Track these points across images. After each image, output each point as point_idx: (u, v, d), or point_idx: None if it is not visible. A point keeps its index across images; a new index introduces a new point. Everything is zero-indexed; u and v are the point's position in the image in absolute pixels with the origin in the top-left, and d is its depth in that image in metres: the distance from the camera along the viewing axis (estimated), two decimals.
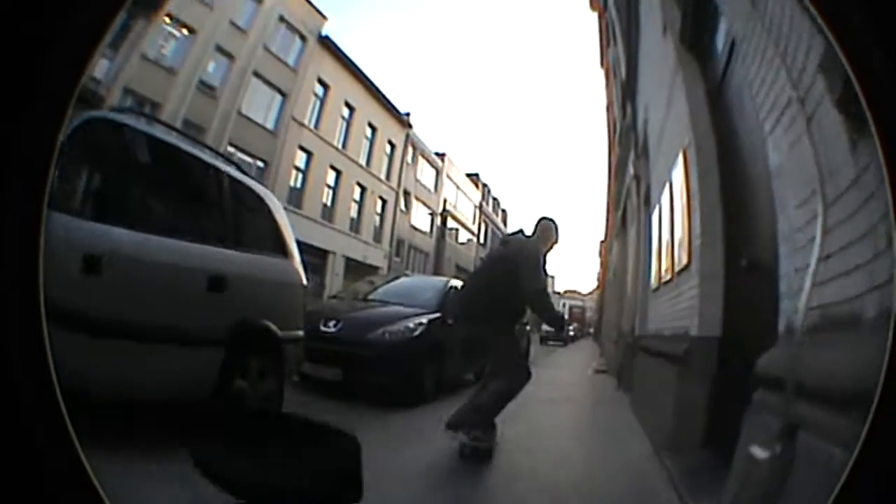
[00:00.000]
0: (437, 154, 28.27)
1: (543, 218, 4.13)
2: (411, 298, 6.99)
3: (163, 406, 2.95)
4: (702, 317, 3.68)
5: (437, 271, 26.27)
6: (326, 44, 17.72)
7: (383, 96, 21.67)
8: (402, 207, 23.71)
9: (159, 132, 3.41)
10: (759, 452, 1.75)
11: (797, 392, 1.85)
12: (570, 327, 31.08)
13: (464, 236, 32.39)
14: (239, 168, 4.05)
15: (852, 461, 0.72)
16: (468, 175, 34.92)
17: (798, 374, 1.87)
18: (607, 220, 30.34)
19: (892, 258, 1.48)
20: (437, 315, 6.63)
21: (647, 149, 7.35)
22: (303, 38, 16.55)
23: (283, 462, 1.26)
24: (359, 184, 18.83)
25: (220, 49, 12.73)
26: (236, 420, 1.70)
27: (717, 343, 3.55)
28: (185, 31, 11.72)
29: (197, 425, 1.51)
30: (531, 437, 4.39)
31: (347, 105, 19.10)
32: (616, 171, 14.29)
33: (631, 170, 8.86)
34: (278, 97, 14.94)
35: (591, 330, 30.87)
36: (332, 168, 16.62)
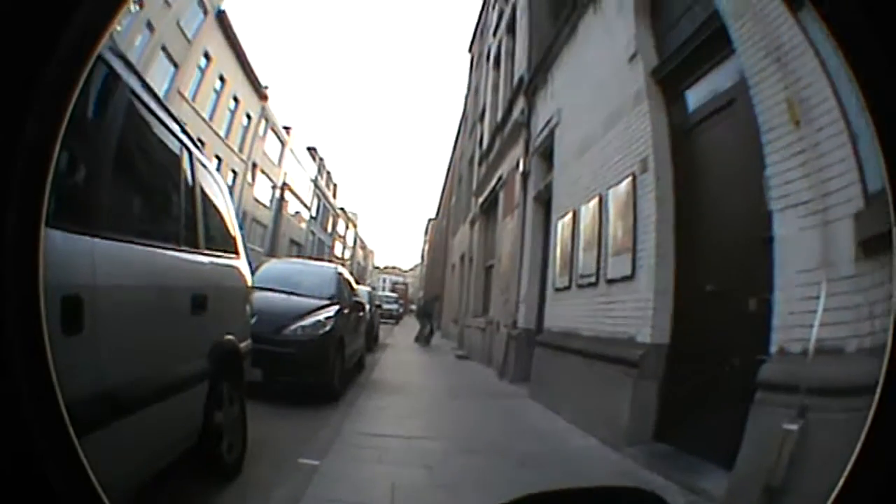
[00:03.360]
0: (284, 127, 29.02)
1: None
2: (304, 287, 7.37)
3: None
4: (654, 326, 4.86)
5: (273, 245, 27.08)
6: (221, 17, 19.95)
7: (251, 68, 23.58)
8: (249, 180, 24.79)
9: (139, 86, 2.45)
10: (791, 427, 2.80)
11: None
12: (397, 305, 32.95)
13: (295, 209, 32.80)
14: (196, 144, 3.47)
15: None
16: (308, 149, 35.22)
17: (796, 380, 2.98)
18: (441, 201, 32.43)
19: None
20: (339, 306, 7.24)
21: (550, 153, 8.54)
22: (205, 11, 18.76)
23: None
24: (217, 156, 19.87)
25: (149, 24, 14.07)
26: None
27: (665, 349, 4.77)
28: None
29: None
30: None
31: (221, 78, 21.00)
32: (480, 160, 15.61)
33: (520, 166, 10.03)
34: (172, 69, 16.54)
35: (413, 307, 32.82)
36: (199, 140, 17.98)
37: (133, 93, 2.33)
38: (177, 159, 3.00)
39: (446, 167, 30.26)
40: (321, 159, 38.77)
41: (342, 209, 50.48)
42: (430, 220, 43.37)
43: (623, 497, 1.81)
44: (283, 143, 29.39)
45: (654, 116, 5.17)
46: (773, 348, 3.37)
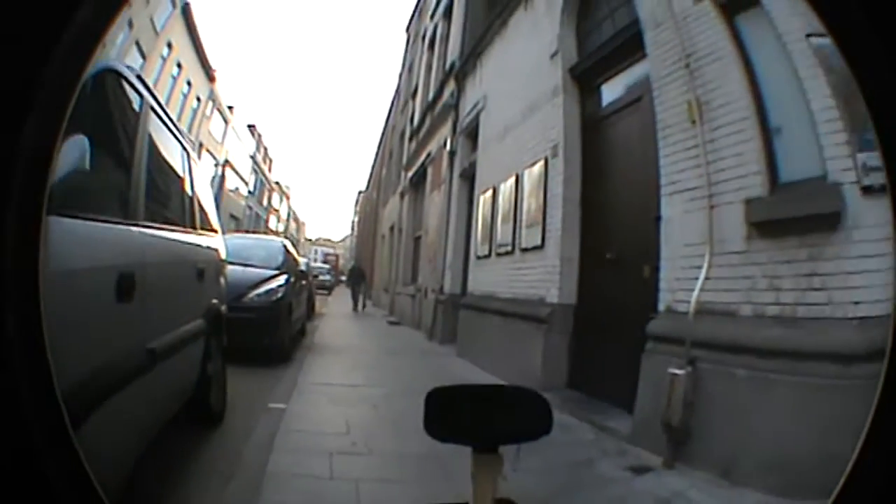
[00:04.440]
0: (228, 107, 27.78)
1: None
2: (256, 259, 7.37)
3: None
4: (561, 289, 5.14)
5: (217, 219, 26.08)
6: (186, 9, 19.46)
7: (203, 52, 22.47)
8: (196, 159, 22.89)
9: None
10: (677, 371, 3.10)
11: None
12: (330, 276, 32.43)
13: (234, 185, 31.59)
14: (192, 143, 3.85)
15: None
16: (248, 126, 33.82)
17: (681, 334, 3.28)
18: (372, 173, 32.03)
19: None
20: (287, 275, 7.29)
21: (475, 134, 8.68)
22: (175, 5, 18.31)
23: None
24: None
25: (129, 22, 13.47)
26: None
27: (572, 309, 5.06)
28: None
29: None
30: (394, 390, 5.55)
31: (178, 65, 20.11)
32: (411, 135, 15.54)
33: (447, 145, 10.12)
34: (141, 61, 15.87)
35: (343, 278, 32.44)
36: None
37: (150, 106, 2.62)
38: (182, 159, 3.39)
39: (378, 141, 29.73)
40: (259, 135, 37.43)
41: (277, 183, 48.96)
42: (360, 191, 42.58)
43: (517, 392, 2.28)
44: (226, 122, 28.32)
45: (568, 108, 5.38)
46: (661, 307, 3.69)
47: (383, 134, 27.20)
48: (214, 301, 3.76)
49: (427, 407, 2.35)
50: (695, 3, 3.43)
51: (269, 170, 44.39)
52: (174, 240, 2.86)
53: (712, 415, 2.97)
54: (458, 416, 2.59)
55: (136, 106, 2.45)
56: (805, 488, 2.31)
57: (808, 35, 2.62)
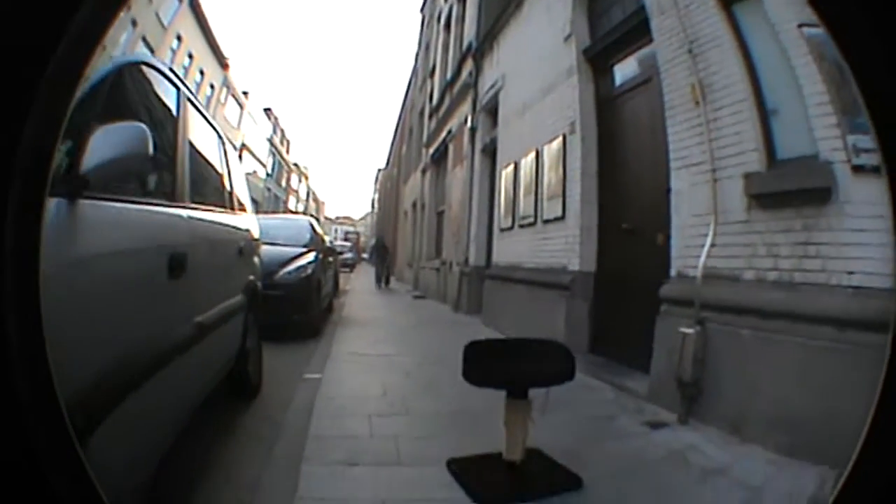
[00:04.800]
0: (243, 92, 28.10)
1: None
2: (283, 237, 7.54)
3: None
4: (582, 257, 5.44)
5: None
6: (193, 2, 19.09)
7: (215, 41, 22.53)
8: (229, 144, 23.18)
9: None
10: (687, 330, 3.40)
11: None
12: (352, 254, 32.80)
13: (253, 168, 32.02)
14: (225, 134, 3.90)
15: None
16: (265, 109, 34.05)
17: (690, 297, 3.56)
18: (391, 151, 32.16)
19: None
20: (315, 252, 7.59)
21: (495, 111, 8.88)
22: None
23: None
24: None
25: (133, 22, 12.95)
26: None
27: (593, 276, 5.36)
28: None
29: None
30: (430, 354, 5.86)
31: (190, 55, 20.14)
32: (431, 113, 15.70)
33: (468, 122, 10.32)
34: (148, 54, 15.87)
35: (365, 255, 32.45)
36: None
37: (186, 97, 2.70)
38: (217, 145, 3.51)
39: (396, 119, 29.74)
40: (276, 118, 37.61)
41: (295, 164, 49.08)
42: (379, 169, 42.51)
43: (543, 343, 2.69)
44: (241, 107, 28.60)
45: (583, 88, 5.57)
46: (673, 272, 3.96)
47: (402, 112, 27.23)
48: (251, 277, 3.89)
49: (465, 357, 2.79)
50: None
51: (287, 151, 44.58)
52: (216, 221, 2.99)
53: (721, 372, 3.23)
54: (492, 364, 3.01)
55: (174, 96, 2.54)
56: (810, 451, 2.43)
57: (801, 25, 2.79)
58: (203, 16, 20.69)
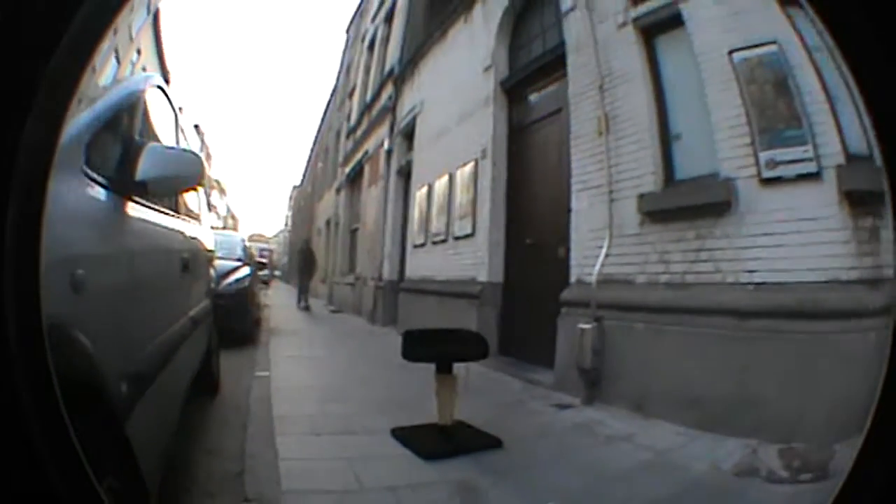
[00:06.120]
0: (178, 108, 26.14)
1: None
2: (221, 251, 7.29)
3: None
4: (490, 269, 5.56)
5: None
6: (156, 15, 17.69)
7: (163, 56, 20.75)
8: None
9: None
10: (585, 326, 3.57)
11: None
12: (268, 270, 31.24)
13: None
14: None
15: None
16: (194, 126, 32.01)
17: (587, 299, 3.75)
18: (307, 169, 31.25)
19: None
20: (250, 266, 7.53)
21: (412, 135, 8.95)
22: (149, 11, 16.39)
23: None
24: None
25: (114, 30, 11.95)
26: None
27: (500, 286, 5.49)
28: None
29: None
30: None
31: (144, 69, 18.12)
32: (348, 133, 15.49)
33: (385, 144, 10.32)
34: (116, 66, 14.40)
35: (277, 273, 31.17)
36: None
37: (176, 115, 2.96)
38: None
39: (313, 137, 29.05)
40: (203, 135, 35.68)
41: (217, 181, 46.64)
42: (294, 187, 41.21)
43: (462, 331, 2.93)
44: (177, 124, 26.88)
45: (497, 116, 5.76)
46: (572, 279, 4.14)
47: (319, 130, 26.65)
48: (212, 285, 4.06)
49: (403, 341, 3.02)
50: (618, 28, 3.84)
51: (210, 167, 42.27)
52: (198, 230, 3.21)
53: (619, 360, 3.42)
54: (424, 346, 3.27)
55: (174, 116, 2.80)
56: (717, 424, 2.63)
57: (731, 51, 3.01)
58: (159, 30, 19.35)
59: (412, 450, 2.69)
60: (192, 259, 2.60)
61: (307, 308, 13.09)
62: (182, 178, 1.74)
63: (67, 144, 1.19)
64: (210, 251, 4.16)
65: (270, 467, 2.52)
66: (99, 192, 1.36)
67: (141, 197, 1.66)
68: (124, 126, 1.72)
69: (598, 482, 2.34)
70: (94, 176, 1.35)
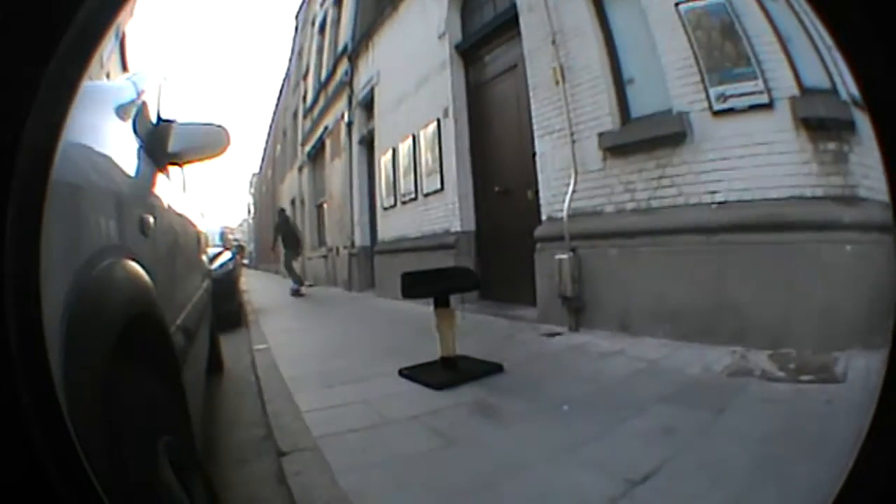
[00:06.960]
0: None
1: None
2: None
3: None
4: (462, 220, 5.69)
5: None
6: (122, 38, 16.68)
7: (125, 47, 19.30)
8: None
9: None
10: (562, 256, 3.76)
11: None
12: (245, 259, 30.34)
13: None
14: None
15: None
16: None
17: (560, 233, 3.93)
18: (265, 154, 30.27)
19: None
20: (231, 252, 7.45)
21: (371, 106, 8.85)
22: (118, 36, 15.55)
23: None
24: None
25: None
26: None
27: (474, 234, 5.64)
28: None
29: None
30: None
31: (107, 76, 16.85)
32: (305, 113, 15.12)
33: (345, 116, 10.16)
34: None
35: (246, 261, 30.19)
36: None
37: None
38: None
39: (269, 122, 28.08)
40: None
41: None
42: (254, 174, 39.94)
43: (454, 268, 3.15)
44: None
45: (455, 78, 5.82)
46: (544, 218, 4.32)
47: (274, 115, 25.82)
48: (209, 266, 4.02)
49: (402, 283, 3.10)
50: None
51: None
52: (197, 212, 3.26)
53: (598, 286, 3.61)
54: (421, 284, 3.39)
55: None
56: (698, 334, 2.77)
57: (678, 4, 3.15)
58: (125, 47, 18.04)
59: (422, 383, 2.80)
60: (201, 236, 2.70)
61: (298, 292, 10.08)
62: (210, 146, 1.84)
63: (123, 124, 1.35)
64: (205, 233, 4.15)
65: (297, 420, 2.56)
66: (146, 160, 1.45)
67: (176, 166, 1.79)
68: (156, 108, 1.83)
69: (602, 388, 2.52)
70: (142, 145, 1.42)
